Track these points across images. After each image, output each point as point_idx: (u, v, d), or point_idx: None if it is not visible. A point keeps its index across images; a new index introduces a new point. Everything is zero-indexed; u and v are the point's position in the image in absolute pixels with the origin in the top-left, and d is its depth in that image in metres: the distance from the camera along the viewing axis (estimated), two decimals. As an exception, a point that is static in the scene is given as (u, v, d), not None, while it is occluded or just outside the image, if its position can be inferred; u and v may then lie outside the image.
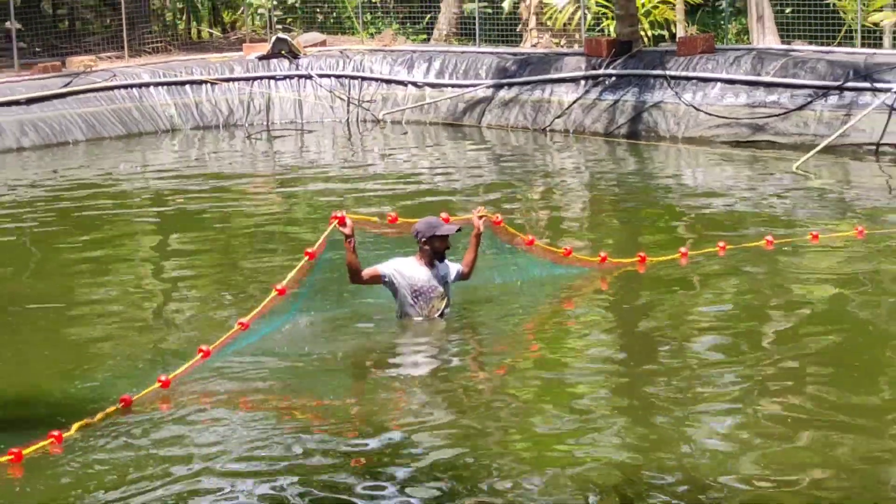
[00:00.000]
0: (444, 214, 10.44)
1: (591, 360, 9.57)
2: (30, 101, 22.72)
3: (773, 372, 8.89)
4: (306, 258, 9.84)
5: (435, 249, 9.98)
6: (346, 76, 25.05)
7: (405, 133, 23.25)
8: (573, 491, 7.03)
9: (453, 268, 10.18)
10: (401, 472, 7.34)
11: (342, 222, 9.67)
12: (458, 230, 10.05)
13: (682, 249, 12.19)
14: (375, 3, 29.55)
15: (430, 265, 10.01)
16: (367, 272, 9.93)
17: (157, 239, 14.93)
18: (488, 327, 10.36)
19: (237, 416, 8.31)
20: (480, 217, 10.27)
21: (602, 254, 11.80)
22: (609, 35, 23.61)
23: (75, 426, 7.95)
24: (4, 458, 7.42)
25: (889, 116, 18.65)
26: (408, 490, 7.10)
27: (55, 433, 7.78)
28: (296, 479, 7.28)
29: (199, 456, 7.63)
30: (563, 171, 19.22)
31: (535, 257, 11.24)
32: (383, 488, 7.11)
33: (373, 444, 7.80)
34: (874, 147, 18.63)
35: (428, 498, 6.97)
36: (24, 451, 7.53)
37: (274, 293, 9.70)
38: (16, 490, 7.31)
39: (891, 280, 11.58)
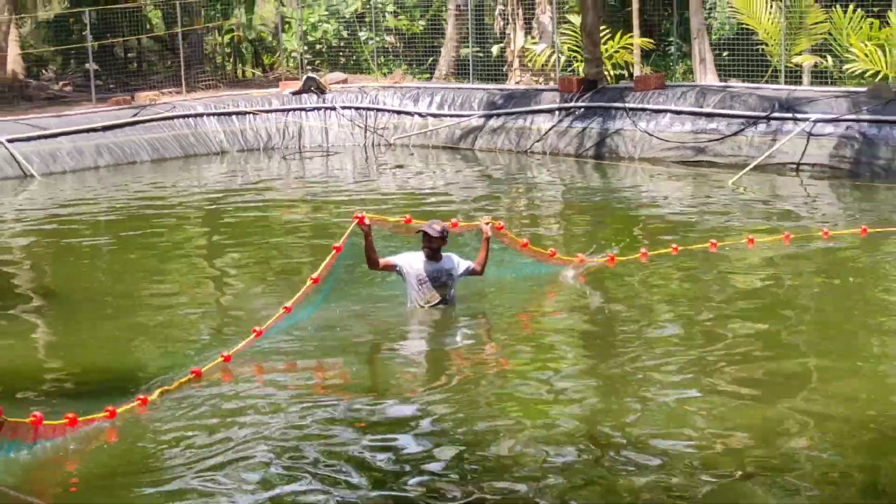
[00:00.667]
0: (453, 220, 10.49)
1: (569, 337, 9.68)
2: (105, 129, 22.81)
3: (713, 354, 8.92)
4: (334, 252, 9.83)
5: (423, 246, 9.97)
6: (363, 108, 25.11)
7: (412, 155, 23.31)
8: (553, 448, 7.11)
9: (463, 264, 10.13)
10: (408, 439, 7.37)
11: (361, 221, 9.69)
12: (443, 232, 9.89)
13: (643, 250, 12.28)
14: (388, 48, 29.63)
15: (435, 259, 9.97)
16: (382, 262, 9.92)
17: (210, 241, 14.99)
18: (486, 314, 10.40)
19: (283, 394, 8.29)
20: (487, 223, 10.29)
21: (578, 255, 11.84)
22: (579, 74, 23.68)
23: (157, 392, 8.08)
24: (101, 415, 7.54)
25: (807, 141, 18.76)
26: (415, 453, 7.14)
27: (141, 396, 7.90)
28: (315, 445, 7.26)
29: (248, 426, 7.61)
30: (541, 185, 19.29)
31: (526, 257, 11.27)
32: (395, 450, 7.18)
33: (389, 414, 7.81)
34: (795, 166, 18.75)
35: (433, 467, 6.96)
36: (118, 410, 7.63)
37: (310, 282, 9.73)
38: (105, 445, 7.44)
39: (809, 276, 11.72)
